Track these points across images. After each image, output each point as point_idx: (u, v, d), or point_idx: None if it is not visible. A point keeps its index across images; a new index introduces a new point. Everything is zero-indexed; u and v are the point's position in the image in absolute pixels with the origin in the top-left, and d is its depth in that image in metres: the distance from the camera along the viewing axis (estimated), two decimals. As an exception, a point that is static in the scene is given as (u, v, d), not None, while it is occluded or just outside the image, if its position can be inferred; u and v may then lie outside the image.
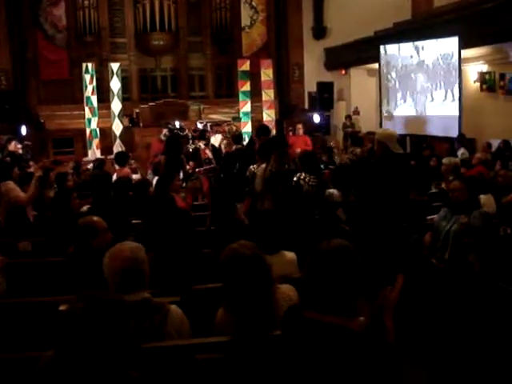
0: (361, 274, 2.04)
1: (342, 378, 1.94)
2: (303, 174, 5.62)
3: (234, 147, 8.73)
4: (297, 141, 11.20)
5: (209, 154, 10.35)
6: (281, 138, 6.76)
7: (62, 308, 3.00)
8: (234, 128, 11.94)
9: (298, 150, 10.42)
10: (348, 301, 2.03)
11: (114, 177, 7.58)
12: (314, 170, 5.70)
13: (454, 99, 11.26)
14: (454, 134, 11.03)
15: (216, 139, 11.54)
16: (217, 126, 13.06)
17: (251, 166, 6.32)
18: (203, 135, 11.42)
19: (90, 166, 9.89)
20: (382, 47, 13.37)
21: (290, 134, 12.56)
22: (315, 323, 2.00)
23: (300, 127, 11.99)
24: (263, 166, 6.04)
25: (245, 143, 9.45)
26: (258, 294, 2.59)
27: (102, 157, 11.86)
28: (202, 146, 10.59)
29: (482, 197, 5.28)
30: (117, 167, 8.30)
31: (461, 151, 10.18)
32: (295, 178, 5.63)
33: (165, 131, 11.63)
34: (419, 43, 12.14)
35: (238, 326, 2.58)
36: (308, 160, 5.81)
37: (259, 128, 8.20)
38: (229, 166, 7.90)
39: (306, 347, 2.00)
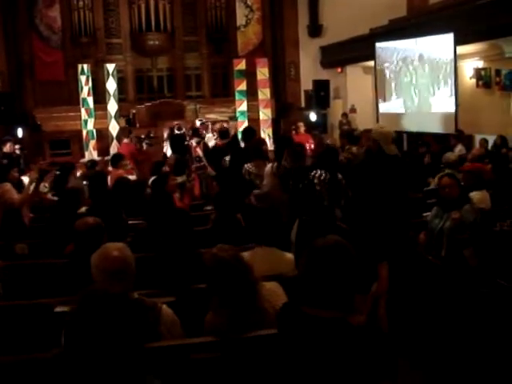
0: (356, 270, 2.05)
1: (341, 372, 1.94)
2: (318, 172, 5.27)
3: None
4: (299, 140, 11.19)
5: (199, 152, 10.44)
6: (288, 137, 6.64)
7: (57, 310, 3.01)
8: (225, 125, 12.09)
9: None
10: (344, 297, 2.04)
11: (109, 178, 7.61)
12: (331, 168, 5.34)
13: (449, 96, 11.26)
14: (451, 130, 11.05)
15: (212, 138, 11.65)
16: (214, 124, 13.15)
17: (246, 165, 6.30)
18: (196, 133, 11.49)
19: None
20: (377, 44, 13.37)
21: (293, 132, 12.59)
22: (314, 318, 2.01)
23: (301, 125, 12.02)
24: (269, 164, 6.00)
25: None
26: (241, 293, 2.63)
27: (99, 158, 11.89)
28: (194, 144, 10.66)
29: (476, 193, 5.26)
30: (110, 168, 8.36)
31: (458, 148, 10.20)
32: (310, 176, 5.28)
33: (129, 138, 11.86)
34: (414, 40, 12.14)
35: (227, 327, 2.60)
36: (327, 157, 5.47)
37: (244, 131, 8.39)
38: (215, 159, 8.08)
39: (306, 342, 2.01)
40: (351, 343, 1.95)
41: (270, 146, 14.22)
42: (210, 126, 12.59)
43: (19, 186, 6.66)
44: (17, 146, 11.36)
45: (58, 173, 7.40)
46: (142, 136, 12.99)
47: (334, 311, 2.00)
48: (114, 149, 13.92)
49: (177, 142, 9.17)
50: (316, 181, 5.18)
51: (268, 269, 3.34)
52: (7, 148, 10.83)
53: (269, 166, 6.04)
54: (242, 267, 2.69)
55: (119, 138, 13.98)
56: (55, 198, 6.51)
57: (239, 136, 10.18)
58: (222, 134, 9.34)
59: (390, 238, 4.45)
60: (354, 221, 5.00)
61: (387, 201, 4.94)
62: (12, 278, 4.24)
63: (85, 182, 7.57)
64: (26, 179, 8.07)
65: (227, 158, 7.24)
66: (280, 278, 3.13)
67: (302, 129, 11.90)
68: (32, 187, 6.15)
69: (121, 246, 2.78)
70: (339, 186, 5.32)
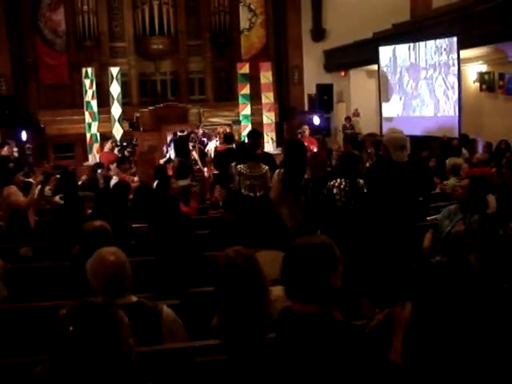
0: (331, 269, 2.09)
1: (328, 368, 1.95)
2: (338, 180, 5.00)
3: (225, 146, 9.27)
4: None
5: (195, 155, 10.54)
6: (300, 142, 6.59)
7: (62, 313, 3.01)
8: (228, 130, 12.13)
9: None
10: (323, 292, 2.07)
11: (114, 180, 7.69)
12: (352, 174, 5.09)
13: (453, 99, 11.27)
14: (454, 134, 11.05)
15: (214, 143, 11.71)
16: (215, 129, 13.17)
17: (238, 166, 6.27)
18: (194, 138, 11.57)
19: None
20: (381, 48, 13.39)
21: (299, 136, 12.63)
22: (298, 315, 2.06)
23: (306, 128, 12.03)
24: (277, 171, 5.98)
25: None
26: (250, 298, 2.63)
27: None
28: (190, 147, 10.73)
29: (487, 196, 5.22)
30: (112, 172, 8.48)
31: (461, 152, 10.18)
32: (328, 186, 5.03)
33: (109, 144, 11.99)
34: (418, 44, 12.16)
35: (233, 331, 2.60)
36: (347, 162, 5.19)
37: (249, 133, 8.54)
38: (220, 163, 8.16)
39: (292, 339, 2.05)
40: (336, 337, 1.97)
41: (273, 149, 14.36)
42: (212, 134, 12.61)
43: (27, 188, 6.66)
44: (15, 149, 11.34)
45: (58, 176, 7.42)
46: (124, 144, 13.12)
47: (315, 306, 2.04)
48: (94, 157, 13.78)
49: (180, 145, 9.22)
50: (335, 190, 4.97)
51: (273, 272, 3.34)
52: (5, 151, 10.81)
53: (276, 171, 6.01)
54: (254, 272, 2.67)
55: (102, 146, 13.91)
56: (62, 202, 6.53)
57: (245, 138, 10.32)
58: (227, 138, 9.44)
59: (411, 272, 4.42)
60: (358, 228, 4.97)
61: (391, 208, 4.86)
62: (17, 280, 4.25)
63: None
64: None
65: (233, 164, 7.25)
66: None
67: (307, 132, 11.89)
68: (37, 190, 6.17)
69: (114, 250, 2.75)
70: (359, 192, 5.06)
